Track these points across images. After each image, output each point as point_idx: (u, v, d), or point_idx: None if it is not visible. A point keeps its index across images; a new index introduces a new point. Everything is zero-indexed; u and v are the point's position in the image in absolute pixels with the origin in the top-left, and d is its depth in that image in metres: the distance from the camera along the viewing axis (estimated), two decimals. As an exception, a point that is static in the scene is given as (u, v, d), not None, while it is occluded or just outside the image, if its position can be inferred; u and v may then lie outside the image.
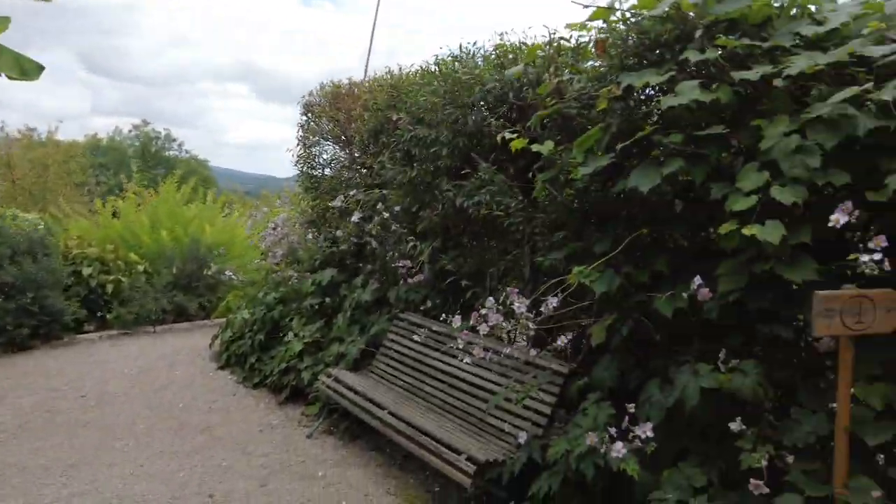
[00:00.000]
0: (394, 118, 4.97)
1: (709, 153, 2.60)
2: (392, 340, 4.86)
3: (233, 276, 8.25)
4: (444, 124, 4.32)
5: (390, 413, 3.83)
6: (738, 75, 2.49)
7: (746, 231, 2.21)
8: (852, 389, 2.32)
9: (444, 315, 3.72)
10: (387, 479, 4.05)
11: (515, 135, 3.10)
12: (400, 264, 4.66)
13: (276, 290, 6.56)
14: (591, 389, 3.20)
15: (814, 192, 2.39)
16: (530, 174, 3.52)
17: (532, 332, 2.88)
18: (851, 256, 2.07)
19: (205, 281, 9.36)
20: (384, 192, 4.89)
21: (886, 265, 2.00)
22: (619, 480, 2.75)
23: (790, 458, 2.29)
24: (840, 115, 2.21)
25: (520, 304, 2.64)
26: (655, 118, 2.98)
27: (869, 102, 2.20)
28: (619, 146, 2.69)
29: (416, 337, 4.35)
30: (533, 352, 3.52)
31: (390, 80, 5.49)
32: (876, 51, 2.29)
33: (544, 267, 3.57)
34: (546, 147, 3.01)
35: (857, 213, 2.04)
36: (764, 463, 2.18)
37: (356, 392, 4.26)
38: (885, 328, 2.16)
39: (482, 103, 4.02)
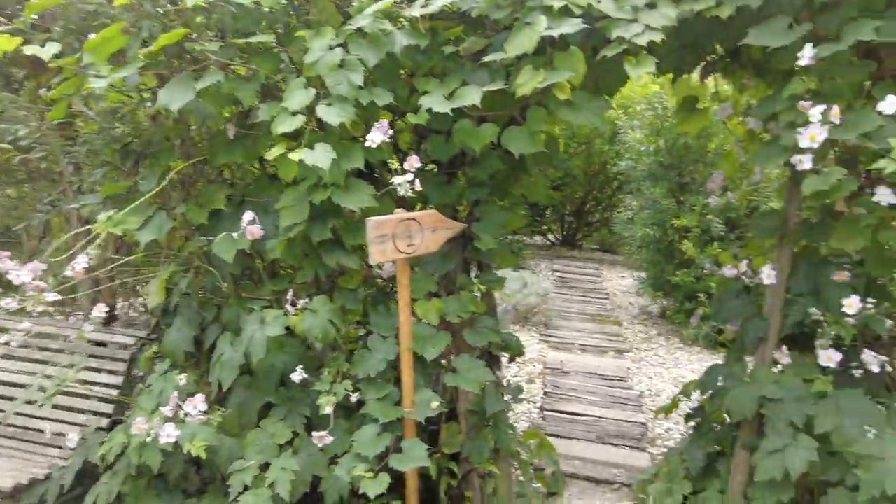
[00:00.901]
0: None
1: (259, 68, 2.26)
2: None
3: None
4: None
5: None
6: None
7: (293, 156, 1.95)
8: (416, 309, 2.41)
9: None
10: None
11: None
12: None
13: None
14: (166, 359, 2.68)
15: (370, 113, 2.29)
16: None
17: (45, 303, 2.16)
18: (391, 179, 2.01)
19: None
20: None
21: (417, 185, 2.00)
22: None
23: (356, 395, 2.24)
24: (380, 30, 2.11)
25: (19, 273, 1.89)
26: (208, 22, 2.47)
27: (402, 19, 2.15)
28: (142, 53, 2.10)
29: None
30: (88, 327, 2.77)
31: None
32: (409, -33, 2.25)
33: (88, 215, 2.78)
34: (49, 51, 2.20)
35: (391, 132, 1.98)
36: (328, 410, 2.06)
37: None
38: (433, 248, 2.22)
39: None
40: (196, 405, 1.99)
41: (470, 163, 2.42)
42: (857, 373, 2.12)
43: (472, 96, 2.02)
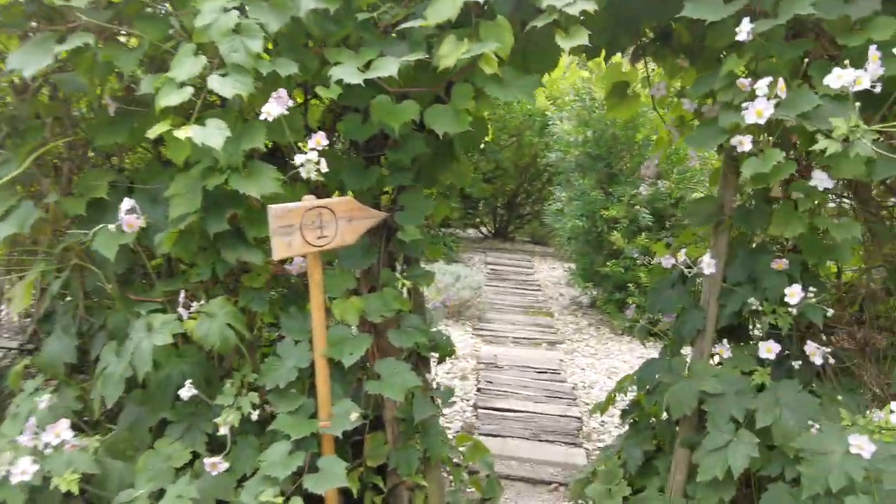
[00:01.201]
0: None
1: (143, 34, 1.93)
2: None
3: None
4: None
5: None
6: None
7: (179, 133, 1.66)
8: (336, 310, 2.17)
9: None
10: None
11: None
12: None
13: None
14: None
15: (273, 86, 2.01)
16: None
17: None
18: (296, 161, 1.76)
19: None
20: None
21: (324, 166, 1.75)
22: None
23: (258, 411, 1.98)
24: (283, -10, 1.84)
25: None
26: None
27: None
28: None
29: None
30: (-56, 337, 2.34)
31: None
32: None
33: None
34: None
35: (291, 102, 1.72)
36: (224, 430, 1.79)
37: None
38: (349, 240, 1.98)
39: None
40: (59, 433, 1.65)
41: (391, 145, 2.19)
42: (796, 363, 2.05)
43: (388, 67, 1.79)
